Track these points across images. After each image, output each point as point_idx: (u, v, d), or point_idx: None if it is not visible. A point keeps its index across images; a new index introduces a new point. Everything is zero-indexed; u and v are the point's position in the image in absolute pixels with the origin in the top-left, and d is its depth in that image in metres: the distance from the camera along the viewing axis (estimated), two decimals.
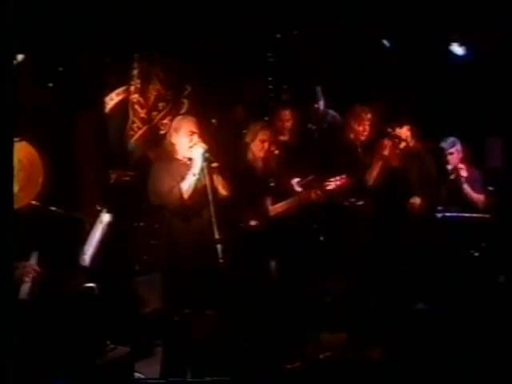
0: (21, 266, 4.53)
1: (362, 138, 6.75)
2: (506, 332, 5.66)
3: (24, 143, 4.96)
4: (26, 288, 4.53)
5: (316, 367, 5.73)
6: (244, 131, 6.34)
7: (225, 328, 5.31)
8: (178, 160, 5.47)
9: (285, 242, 6.03)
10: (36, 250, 4.66)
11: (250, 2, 7.11)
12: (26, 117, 5.35)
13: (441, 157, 6.96)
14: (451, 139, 6.97)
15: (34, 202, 4.92)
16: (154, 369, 5.53)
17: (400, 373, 5.29)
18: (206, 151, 5.32)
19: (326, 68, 7.97)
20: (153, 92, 7.26)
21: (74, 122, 6.40)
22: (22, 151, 4.92)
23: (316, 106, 7.38)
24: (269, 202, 6.09)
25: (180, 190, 5.30)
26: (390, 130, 6.71)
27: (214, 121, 7.30)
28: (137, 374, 5.37)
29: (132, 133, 7.15)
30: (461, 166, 6.83)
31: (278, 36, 7.77)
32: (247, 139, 6.14)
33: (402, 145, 6.70)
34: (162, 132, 7.09)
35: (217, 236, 5.14)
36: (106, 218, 5.12)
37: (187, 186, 5.30)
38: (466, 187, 6.79)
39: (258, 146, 6.09)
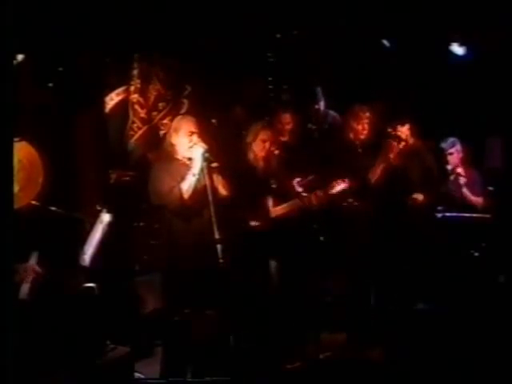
0: (21, 269, 4.53)
1: (362, 137, 6.73)
2: (506, 332, 5.66)
3: (24, 143, 4.96)
4: (25, 288, 4.54)
5: (316, 367, 5.73)
6: (244, 132, 6.34)
7: (225, 328, 5.30)
8: (178, 160, 5.46)
9: (285, 242, 6.02)
10: (36, 250, 4.67)
11: (250, 2, 7.11)
12: (25, 117, 5.35)
13: (441, 157, 6.96)
14: (451, 139, 6.96)
15: (34, 202, 4.93)
16: (154, 369, 5.53)
17: (400, 373, 5.29)
18: (206, 151, 5.31)
19: (326, 68, 7.98)
20: (153, 92, 7.26)
21: (74, 122, 6.41)
22: (22, 151, 4.92)
23: (316, 106, 7.39)
24: (269, 202, 6.10)
25: (180, 190, 5.30)
26: (390, 129, 6.71)
27: (213, 121, 7.30)
28: (137, 374, 5.37)
29: (132, 133, 7.15)
30: (460, 169, 6.83)
31: (278, 36, 7.77)
32: (248, 139, 6.12)
33: (402, 144, 6.69)
34: (161, 132, 7.09)
35: (217, 236, 5.15)
36: (106, 217, 5.13)
37: (187, 186, 5.30)
38: (465, 191, 6.80)
39: (260, 146, 6.08)
